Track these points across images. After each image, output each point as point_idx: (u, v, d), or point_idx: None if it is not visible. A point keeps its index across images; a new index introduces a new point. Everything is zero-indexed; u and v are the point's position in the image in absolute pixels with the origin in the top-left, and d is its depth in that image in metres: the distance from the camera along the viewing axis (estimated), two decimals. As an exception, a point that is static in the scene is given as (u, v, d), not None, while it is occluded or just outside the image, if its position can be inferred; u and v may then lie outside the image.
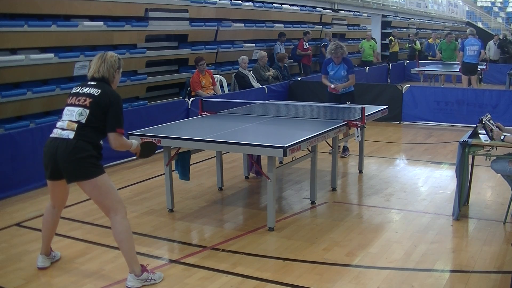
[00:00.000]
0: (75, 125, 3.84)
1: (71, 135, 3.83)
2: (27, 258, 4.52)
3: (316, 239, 4.85)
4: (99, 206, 4.02)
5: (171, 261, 4.46)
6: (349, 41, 18.01)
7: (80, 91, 3.95)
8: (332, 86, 7.47)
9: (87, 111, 3.85)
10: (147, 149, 4.47)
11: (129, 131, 5.50)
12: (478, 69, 13.12)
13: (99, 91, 3.88)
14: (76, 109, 3.88)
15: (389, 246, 4.70)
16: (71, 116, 3.89)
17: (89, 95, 3.89)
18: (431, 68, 15.24)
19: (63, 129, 3.87)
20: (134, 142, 4.24)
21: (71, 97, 3.98)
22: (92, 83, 3.97)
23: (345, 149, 7.93)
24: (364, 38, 18.11)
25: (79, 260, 4.47)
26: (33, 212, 5.65)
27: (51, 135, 3.95)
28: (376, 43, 18.62)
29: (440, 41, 18.03)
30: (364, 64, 16.83)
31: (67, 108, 3.97)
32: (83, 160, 3.82)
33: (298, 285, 4.00)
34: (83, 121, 3.84)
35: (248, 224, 5.28)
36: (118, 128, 3.88)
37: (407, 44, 20.69)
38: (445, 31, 25.94)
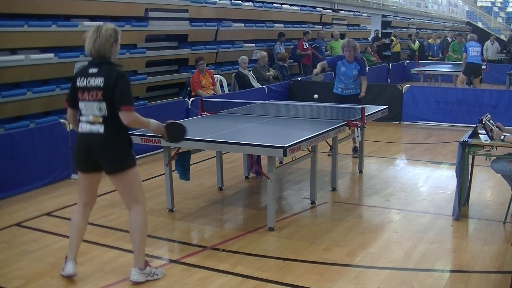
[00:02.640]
0: (101, 119, 3.84)
1: (101, 128, 3.84)
2: (27, 258, 4.52)
3: (316, 239, 4.85)
4: (125, 196, 4.04)
5: (171, 261, 4.46)
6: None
7: (87, 85, 3.85)
8: (314, 72, 7.60)
9: (103, 103, 3.82)
10: (175, 131, 4.18)
11: (129, 131, 5.49)
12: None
13: (103, 79, 3.80)
14: (94, 103, 3.85)
15: (389, 246, 4.70)
16: (92, 111, 3.86)
17: (97, 87, 3.82)
18: (431, 68, 15.25)
19: (92, 123, 3.87)
20: (153, 121, 4.04)
21: (81, 92, 3.89)
22: (94, 70, 3.85)
23: (356, 149, 7.86)
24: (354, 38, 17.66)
25: (79, 260, 4.45)
26: (33, 212, 5.65)
27: (80, 131, 3.95)
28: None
29: (450, 40, 18.05)
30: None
31: (84, 104, 3.90)
32: (118, 151, 3.90)
33: (298, 285, 4.00)
34: (106, 114, 3.83)
35: (248, 224, 5.28)
36: (123, 106, 3.77)
37: (411, 44, 20.69)
38: (445, 31, 25.98)
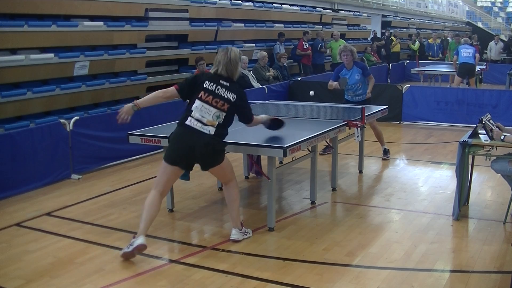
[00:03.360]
0: (216, 123, 4.38)
1: (212, 131, 4.36)
2: (27, 258, 4.52)
3: (316, 239, 4.85)
4: (221, 177, 4.78)
5: (171, 261, 4.46)
6: (349, 41, 17.98)
7: (216, 91, 4.41)
8: (334, 84, 7.27)
9: (224, 114, 4.41)
10: (277, 123, 5.15)
11: (129, 131, 5.50)
12: (478, 69, 13.14)
13: (235, 96, 4.44)
14: (214, 110, 4.39)
15: (389, 246, 4.70)
16: (209, 115, 4.38)
17: (227, 100, 4.41)
18: (431, 68, 15.26)
19: (204, 124, 4.36)
20: (263, 116, 5.01)
21: (206, 94, 4.40)
22: (226, 83, 4.44)
23: (386, 151, 7.82)
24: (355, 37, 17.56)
25: (79, 260, 4.47)
26: (33, 212, 5.65)
27: (187, 123, 4.38)
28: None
29: (450, 40, 18.11)
30: (334, 67, 15.79)
31: (202, 104, 4.39)
32: (220, 151, 4.50)
33: (298, 285, 4.00)
34: (221, 122, 4.42)
35: (248, 224, 5.27)
36: (253, 117, 4.73)
37: (411, 44, 20.66)
38: (445, 31, 25.99)
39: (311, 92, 7.42)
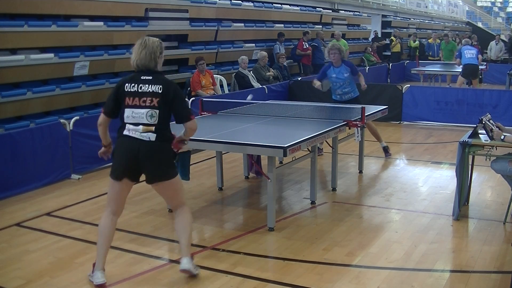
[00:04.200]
0: (153, 128, 3.86)
1: (152, 137, 3.86)
2: (27, 258, 4.52)
3: (316, 239, 4.85)
4: (170, 201, 4.22)
5: (171, 261, 4.46)
6: (349, 41, 18.01)
7: (139, 90, 3.87)
8: (317, 83, 7.24)
9: (157, 111, 3.86)
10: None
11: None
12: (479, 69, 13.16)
13: (161, 86, 3.86)
14: (144, 111, 3.85)
15: (389, 246, 4.70)
16: (142, 118, 3.85)
17: (153, 93, 3.85)
18: (431, 68, 15.26)
19: (141, 132, 3.86)
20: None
21: (131, 98, 3.87)
22: (147, 77, 3.90)
23: (386, 149, 7.84)
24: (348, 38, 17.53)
25: (79, 260, 4.47)
26: (33, 212, 5.65)
27: (126, 133, 3.90)
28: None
29: (441, 41, 18.19)
30: None
31: (132, 111, 3.87)
32: (166, 161, 3.96)
33: (298, 285, 4.00)
34: (156, 122, 3.86)
35: (248, 224, 5.28)
36: (191, 115, 3.96)
37: (410, 41, 20.67)
38: (445, 31, 25.98)
39: (249, 96, 7.43)
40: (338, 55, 7.30)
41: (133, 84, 3.89)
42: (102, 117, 4.03)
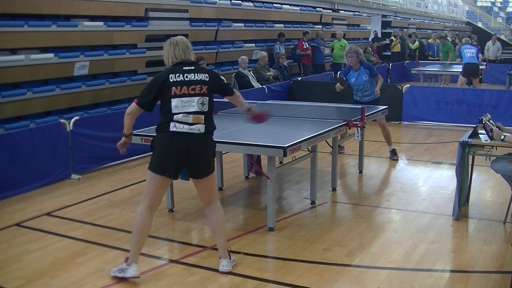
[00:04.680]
0: (202, 117, 3.90)
1: (202, 128, 3.90)
2: (27, 258, 4.52)
3: (316, 239, 4.85)
4: (208, 195, 4.15)
5: (171, 261, 4.46)
6: (349, 41, 17.99)
7: (186, 79, 3.91)
8: (338, 89, 7.30)
9: (207, 98, 3.93)
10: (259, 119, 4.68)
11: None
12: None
13: (207, 74, 3.99)
14: (195, 98, 3.90)
15: (389, 246, 4.70)
16: (193, 107, 3.88)
17: (201, 81, 3.93)
18: (431, 68, 15.26)
19: (191, 124, 3.87)
20: (247, 104, 4.55)
21: (179, 87, 3.89)
22: (190, 67, 3.98)
23: (395, 152, 7.78)
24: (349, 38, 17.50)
25: (79, 260, 4.47)
26: (33, 212, 5.65)
27: (173, 129, 3.88)
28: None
29: (451, 41, 18.34)
30: (334, 67, 15.29)
31: (181, 100, 3.88)
32: (212, 154, 4.06)
33: (298, 285, 4.00)
34: (206, 110, 3.93)
35: (248, 224, 5.28)
36: (233, 90, 4.33)
37: (409, 43, 20.66)
38: (445, 31, 25.98)
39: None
40: (356, 58, 7.27)
41: (178, 74, 3.92)
42: (134, 108, 4.02)
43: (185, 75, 3.92)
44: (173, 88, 3.88)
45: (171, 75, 3.92)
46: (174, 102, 3.88)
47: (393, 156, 7.78)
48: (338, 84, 7.36)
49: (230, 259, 4.23)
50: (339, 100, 7.87)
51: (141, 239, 4.05)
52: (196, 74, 3.94)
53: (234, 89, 4.35)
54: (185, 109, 3.87)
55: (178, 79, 3.90)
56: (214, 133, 4.08)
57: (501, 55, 20.58)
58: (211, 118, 4.01)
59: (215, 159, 4.27)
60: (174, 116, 3.88)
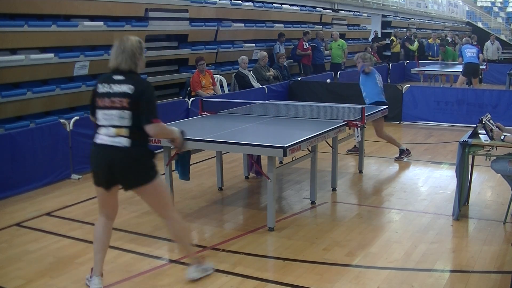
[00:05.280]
0: (126, 130, 3.62)
1: (126, 142, 3.63)
2: (27, 258, 4.52)
3: (316, 239, 4.85)
4: (155, 207, 3.97)
5: (171, 261, 4.46)
6: (349, 41, 18.02)
7: (110, 90, 3.64)
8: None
9: (129, 112, 3.61)
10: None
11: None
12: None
13: (133, 88, 3.61)
14: (114, 112, 3.62)
15: (389, 246, 4.70)
16: (112, 120, 3.63)
17: (123, 94, 3.61)
18: (431, 68, 15.27)
19: (113, 136, 3.63)
20: (175, 129, 4.03)
21: (101, 98, 3.66)
22: (120, 77, 3.67)
23: (402, 152, 7.71)
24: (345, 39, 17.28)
25: (79, 260, 4.47)
26: (33, 212, 5.65)
27: (97, 141, 3.69)
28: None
29: (451, 41, 18.37)
30: (333, 67, 15.24)
31: (103, 112, 3.66)
32: (143, 166, 3.75)
33: (298, 285, 4.00)
34: (129, 124, 3.63)
35: (248, 224, 5.28)
36: (154, 119, 3.67)
37: (409, 45, 20.66)
38: (445, 31, 26.00)
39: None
40: (361, 64, 7.45)
41: (105, 84, 3.69)
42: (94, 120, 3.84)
43: (111, 85, 3.66)
44: (98, 99, 3.70)
45: (99, 85, 3.73)
46: (99, 113, 3.69)
47: (401, 155, 7.70)
48: None
49: (201, 265, 4.10)
50: (339, 100, 7.89)
51: (98, 248, 3.91)
52: (121, 85, 3.64)
53: (154, 121, 3.69)
54: (105, 122, 3.66)
55: (104, 90, 3.67)
56: (147, 144, 3.79)
57: (501, 55, 20.58)
58: (139, 132, 3.66)
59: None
60: (99, 128, 3.71)
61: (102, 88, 3.69)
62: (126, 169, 3.69)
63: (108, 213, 3.93)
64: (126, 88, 3.63)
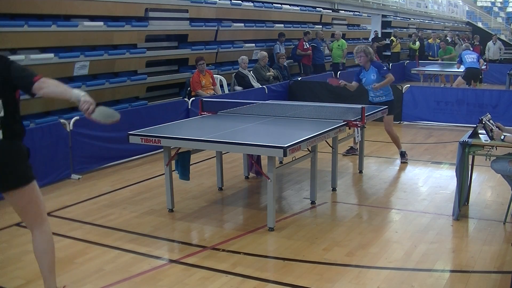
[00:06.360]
0: None
1: None
2: (27, 258, 4.52)
3: (316, 239, 4.85)
4: (25, 214, 3.43)
5: (171, 261, 4.46)
6: (349, 41, 18.01)
7: None
8: (340, 82, 7.35)
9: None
10: (103, 112, 3.51)
11: (129, 131, 5.50)
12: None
13: None
14: None
15: (389, 246, 4.70)
16: None
17: None
18: (431, 68, 15.27)
19: None
20: (75, 91, 3.27)
21: None
22: None
23: (404, 154, 7.64)
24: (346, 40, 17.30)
25: (79, 260, 4.47)
26: (33, 212, 5.64)
27: None
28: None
29: (451, 41, 18.38)
30: (333, 67, 15.43)
31: None
32: (19, 162, 3.27)
33: (298, 285, 4.00)
34: (3, 114, 3.15)
35: (248, 224, 5.28)
36: (34, 77, 3.16)
37: (411, 43, 20.65)
38: (445, 31, 25.99)
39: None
40: (365, 58, 7.26)
41: None
42: None
43: None
44: None
45: None
46: None
47: (402, 158, 7.67)
48: (350, 84, 7.39)
49: None
50: (339, 100, 7.89)
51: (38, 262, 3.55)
52: None
53: (36, 78, 3.16)
54: None
55: None
56: (21, 139, 3.32)
57: (502, 55, 20.59)
58: (14, 121, 3.21)
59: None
60: None
61: None
62: (2, 165, 3.21)
63: (23, 220, 3.53)
64: None
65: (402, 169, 7.47)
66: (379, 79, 7.27)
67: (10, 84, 3.17)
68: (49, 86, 3.18)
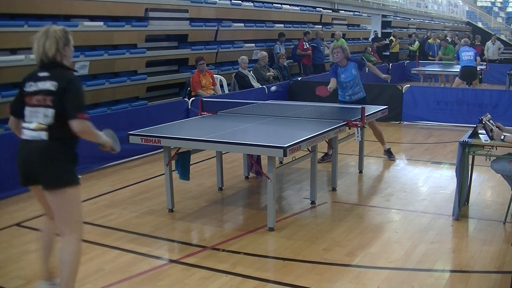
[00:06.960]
0: (45, 126, 3.43)
1: (44, 135, 3.43)
2: (27, 258, 4.53)
3: (316, 239, 4.85)
4: (59, 217, 3.57)
5: (171, 261, 4.46)
6: (349, 41, 18.02)
7: (36, 88, 3.46)
8: (329, 88, 6.98)
9: (52, 110, 3.42)
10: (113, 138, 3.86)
11: (129, 131, 5.50)
12: (478, 70, 13.18)
13: (56, 84, 3.41)
14: (40, 110, 3.44)
15: (389, 246, 4.70)
16: (36, 117, 3.46)
17: (47, 92, 3.42)
18: (431, 68, 15.27)
19: (33, 130, 3.46)
20: (101, 134, 3.69)
21: (28, 96, 3.50)
22: (44, 73, 3.47)
23: (390, 151, 7.72)
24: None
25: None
26: (33, 212, 5.65)
27: (22, 137, 3.59)
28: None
29: (451, 41, 18.37)
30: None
31: (29, 109, 3.51)
32: (59, 163, 3.46)
33: (298, 285, 4.00)
34: (53, 122, 3.43)
35: (248, 224, 5.28)
36: (79, 114, 3.43)
37: (411, 44, 20.63)
38: (445, 31, 25.99)
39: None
40: (342, 54, 7.18)
41: (31, 82, 3.51)
42: (10, 119, 3.74)
43: (37, 83, 3.47)
44: (25, 97, 3.53)
45: (26, 82, 3.55)
46: (26, 110, 3.54)
47: (390, 156, 7.75)
48: (330, 87, 7.05)
49: None
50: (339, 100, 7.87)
51: (41, 247, 3.79)
52: (46, 82, 3.45)
53: (79, 116, 3.45)
54: (29, 118, 3.50)
55: (30, 89, 3.49)
56: (68, 143, 3.52)
57: (501, 55, 20.58)
58: (62, 126, 3.44)
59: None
60: (24, 124, 3.57)
61: (29, 87, 3.51)
62: (39, 163, 3.43)
63: (47, 213, 3.75)
64: (50, 85, 3.43)
65: (402, 169, 7.48)
66: (359, 75, 7.29)
67: (61, 99, 3.42)
68: (84, 135, 3.49)
